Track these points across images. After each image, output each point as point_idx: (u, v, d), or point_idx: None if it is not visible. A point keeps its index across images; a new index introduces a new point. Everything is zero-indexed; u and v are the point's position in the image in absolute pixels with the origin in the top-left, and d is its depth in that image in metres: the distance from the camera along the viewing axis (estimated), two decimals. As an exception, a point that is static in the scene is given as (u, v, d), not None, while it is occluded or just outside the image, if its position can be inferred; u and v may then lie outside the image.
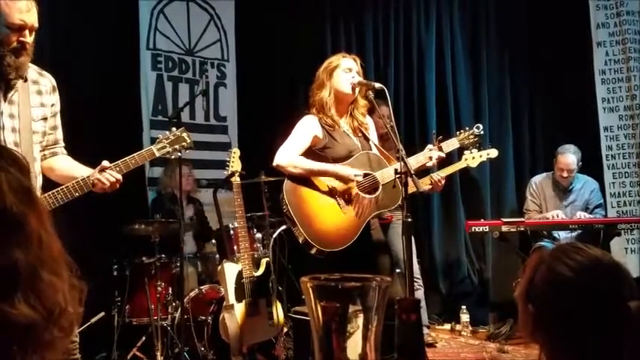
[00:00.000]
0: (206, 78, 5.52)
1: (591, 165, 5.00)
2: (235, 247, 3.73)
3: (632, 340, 1.04)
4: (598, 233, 4.33)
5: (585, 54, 5.25)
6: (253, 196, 3.97)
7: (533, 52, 5.44)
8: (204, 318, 3.73)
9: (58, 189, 2.26)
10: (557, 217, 4.49)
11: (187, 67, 5.42)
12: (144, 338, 3.83)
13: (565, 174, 4.63)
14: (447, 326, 5.04)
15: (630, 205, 5.10)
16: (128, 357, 3.80)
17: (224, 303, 3.54)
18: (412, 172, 2.59)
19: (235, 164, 3.60)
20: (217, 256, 4.30)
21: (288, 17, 5.67)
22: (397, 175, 2.62)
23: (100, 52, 4.70)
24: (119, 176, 2.35)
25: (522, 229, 4.30)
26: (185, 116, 4.95)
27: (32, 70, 2.29)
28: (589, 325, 1.08)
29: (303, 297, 0.90)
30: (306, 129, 3.01)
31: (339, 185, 2.95)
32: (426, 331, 4.45)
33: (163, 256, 3.97)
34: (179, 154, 2.66)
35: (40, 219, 0.77)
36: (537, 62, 5.42)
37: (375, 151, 3.10)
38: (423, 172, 3.38)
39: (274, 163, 2.98)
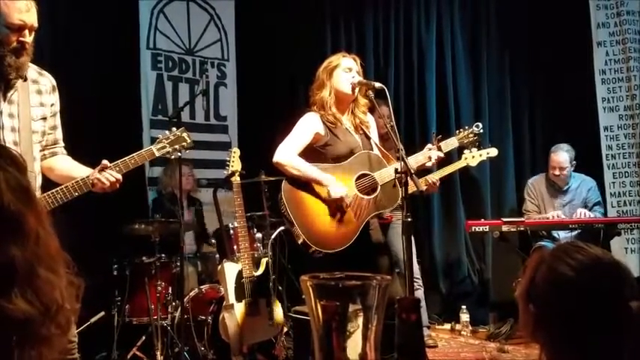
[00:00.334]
0: (206, 78, 5.52)
1: (591, 165, 5.00)
2: (235, 247, 3.72)
3: (634, 340, 1.04)
4: (598, 233, 4.32)
5: (585, 54, 5.25)
6: (253, 195, 3.97)
7: (534, 52, 5.44)
8: (204, 318, 3.73)
9: (57, 189, 2.25)
10: (558, 216, 4.49)
11: (187, 66, 5.42)
12: (144, 338, 3.83)
13: (557, 172, 4.62)
14: (447, 326, 5.04)
15: (630, 204, 5.10)
16: (128, 357, 3.80)
17: (224, 303, 3.54)
18: (412, 172, 2.59)
19: (235, 164, 3.59)
20: (217, 255, 4.29)
21: (289, 17, 5.67)
22: (397, 175, 2.62)
23: (100, 52, 4.70)
24: (119, 176, 2.35)
25: (522, 228, 4.29)
26: (185, 116, 4.95)
27: (32, 70, 2.29)
28: (590, 325, 1.08)
29: (303, 296, 0.90)
30: (308, 126, 3.01)
31: None
32: (426, 332, 4.44)
33: (163, 255, 3.97)
34: (179, 154, 2.66)
35: (37, 217, 0.77)
36: (537, 62, 5.42)
37: (375, 149, 3.10)
38: (423, 171, 3.38)
39: (274, 160, 2.97)
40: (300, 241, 2.88)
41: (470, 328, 4.78)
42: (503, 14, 5.56)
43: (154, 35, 5.19)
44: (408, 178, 2.57)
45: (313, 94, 3.09)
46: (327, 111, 3.00)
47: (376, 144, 3.13)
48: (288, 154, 2.95)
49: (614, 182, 5.15)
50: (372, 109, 3.23)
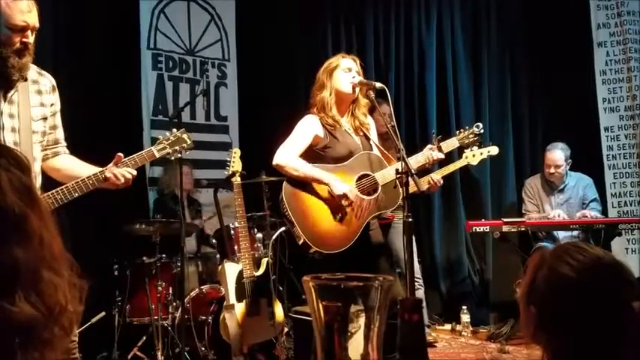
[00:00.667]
0: (207, 78, 5.52)
1: (592, 165, 5.00)
2: (236, 247, 3.72)
3: (636, 340, 1.04)
4: (599, 233, 4.32)
5: (586, 54, 5.25)
6: (254, 195, 3.97)
7: (534, 53, 5.43)
8: (204, 318, 3.73)
9: (58, 189, 2.25)
10: (559, 217, 4.48)
11: (188, 66, 5.42)
12: (144, 338, 3.83)
13: (552, 170, 4.62)
14: (448, 326, 5.04)
15: (631, 205, 5.09)
16: (129, 357, 3.80)
17: (224, 303, 3.54)
18: (413, 172, 2.59)
19: (236, 164, 3.59)
20: (218, 255, 4.29)
21: (289, 17, 5.67)
22: (398, 175, 2.62)
23: (100, 52, 4.69)
24: (135, 172, 2.36)
25: (523, 229, 4.29)
26: (186, 116, 4.96)
27: (32, 70, 2.29)
28: (592, 326, 1.08)
29: (304, 297, 0.90)
30: (307, 128, 3.01)
31: None
32: (426, 330, 4.45)
33: (164, 255, 3.97)
34: (179, 155, 2.66)
35: (41, 218, 0.77)
36: (538, 62, 5.41)
37: (375, 151, 3.10)
38: (423, 172, 3.38)
39: (274, 162, 2.98)
40: (300, 242, 2.88)
41: (470, 328, 4.78)
42: (503, 14, 5.55)
43: (155, 35, 5.19)
44: (409, 178, 2.57)
45: (314, 95, 3.09)
46: (327, 112, 3.00)
47: (376, 145, 3.12)
48: (287, 156, 2.95)
49: (614, 183, 5.15)
50: (372, 110, 3.23)
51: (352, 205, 2.89)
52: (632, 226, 4.45)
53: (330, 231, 2.89)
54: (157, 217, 4.24)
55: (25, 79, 2.23)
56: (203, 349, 3.66)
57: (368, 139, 3.10)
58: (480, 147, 3.57)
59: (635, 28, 5.16)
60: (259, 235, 4.00)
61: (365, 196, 2.93)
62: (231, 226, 3.85)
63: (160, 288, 3.87)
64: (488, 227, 4.31)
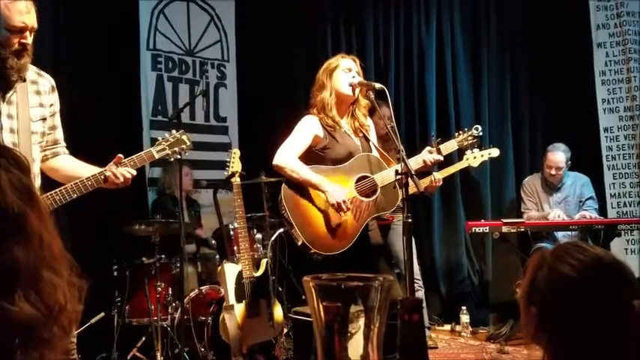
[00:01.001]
0: (206, 78, 5.52)
1: (591, 166, 5.00)
2: (235, 248, 3.72)
3: (637, 339, 1.04)
4: (598, 234, 4.32)
5: (585, 55, 5.25)
6: (253, 196, 3.97)
7: (534, 53, 5.44)
8: (204, 318, 3.73)
9: (57, 190, 2.25)
10: (559, 217, 4.48)
11: (187, 67, 5.42)
12: (144, 339, 3.83)
13: (553, 171, 4.63)
14: (447, 327, 5.04)
15: (630, 205, 5.09)
16: (128, 357, 3.80)
17: (224, 303, 3.53)
18: (413, 173, 2.59)
19: (235, 165, 3.59)
20: (217, 256, 4.29)
21: (288, 18, 5.67)
22: (397, 176, 2.62)
23: (100, 53, 4.69)
24: (134, 172, 2.36)
25: (522, 229, 4.29)
26: (185, 117, 4.95)
27: (31, 71, 2.29)
28: (592, 325, 1.08)
29: (304, 297, 0.90)
30: (307, 129, 3.01)
31: None
32: (426, 333, 4.44)
33: (163, 256, 3.97)
34: (178, 156, 2.66)
35: (40, 218, 0.77)
36: (537, 63, 5.41)
37: (375, 152, 3.10)
38: (423, 173, 3.37)
39: (273, 163, 2.98)
40: (299, 243, 2.88)
41: (470, 329, 4.78)
42: (503, 15, 5.56)
43: (154, 36, 5.19)
44: (409, 179, 2.57)
45: (314, 95, 3.08)
46: (327, 113, 3.00)
47: (376, 147, 3.12)
48: (287, 157, 2.95)
49: (614, 183, 5.15)
50: (372, 110, 3.23)
51: (350, 208, 2.89)
52: (631, 227, 4.46)
53: (328, 232, 2.89)
54: (156, 218, 4.23)
55: (24, 80, 2.23)
56: (202, 349, 3.66)
57: (367, 140, 3.10)
58: (480, 149, 3.58)
59: (635, 29, 5.16)
60: (259, 236, 4.00)
61: (364, 198, 2.93)
62: (231, 226, 3.85)
63: (159, 288, 3.87)
64: (487, 228, 4.31)
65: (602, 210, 4.92)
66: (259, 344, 3.64)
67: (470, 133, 3.31)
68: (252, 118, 5.59)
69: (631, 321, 1.05)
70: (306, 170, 2.93)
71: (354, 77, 2.99)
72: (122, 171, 2.32)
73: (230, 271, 3.57)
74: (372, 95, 2.95)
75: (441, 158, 3.13)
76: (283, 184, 2.95)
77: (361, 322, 0.87)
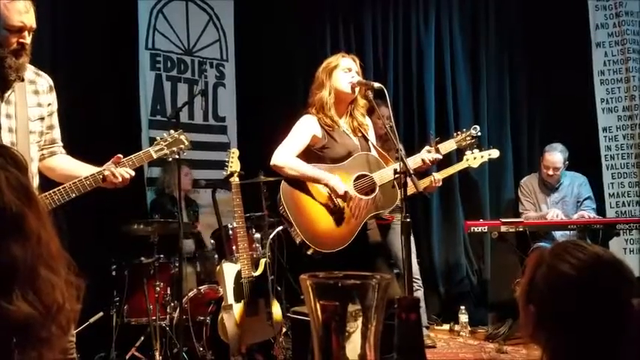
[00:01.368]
0: (205, 78, 5.52)
1: (590, 165, 5.00)
2: (234, 247, 3.72)
3: (636, 338, 1.04)
4: (597, 233, 4.33)
5: (584, 54, 5.26)
6: (252, 196, 3.97)
7: (533, 53, 5.44)
8: (202, 318, 3.73)
9: (59, 188, 2.24)
10: (557, 217, 4.49)
11: (186, 67, 5.42)
12: (142, 338, 3.82)
13: (550, 172, 4.63)
14: (446, 327, 5.04)
15: (629, 205, 5.10)
16: (127, 357, 3.79)
17: (223, 303, 3.54)
18: (411, 172, 2.59)
19: (234, 164, 3.59)
20: (216, 256, 4.29)
21: (287, 17, 5.67)
22: (396, 175, 2.62)
23: (98, 52, 4.69)
24: (133, 173, 2.36)
25: (521, 229, 4.30)
26: (184, 116, 4.95)
27: (29, 70, 2.29)
28: (591, 324, 1.07)
29: (302, 297, 0.90)
30: (305, 128, 3.00)
31: None
32: (425, 332, 4.44)
33: (162, 256, 3.97)
34: (177, 156, 2.66)
35: (38, 217, 0.77)
36: (536, 63, 5.42)
37: (373, 152, 3.10)
38: (422, 173, 3.37)
39: (271, 163, 2.97)
40: (298, 241, 2.88)
41: (469, 328, 4.79)
42: (502, 15, 5.56)
43: (153, 35, 5.19)
44: (407, 178, 2.57)
45: (313, 94, 3.08)
46: (325, 112, 2.99)
47: (375, 146, 3.12)
48: (285, 156, 2.95)
49: (612, 183, 5.16)
50: (371, 110, 3.22)
51: (350, 205, 2.88)
52: (630, 226, 4.45)
53: (327, 231, 2.89)
54: (154, 218, 4.23)
55: (22, 80, 2.23)
56: (201, 349, 3.66)
57: (366, 139, 3.09)
58: (480, 149, 3.57)
59: (634, 29, 5.17)
60: (257, 236, 4.00)
61: (363, 196, 2.93)
62: (230, 226, 3.85)
63: (157, 288, 3.86)
64: (486, 227, 4.31)
65: (601, 209, 4.92)
66: (258, 344, 3.64)
67: (468, 133, 3.30)
68: (250, 118, 5.59)
69: (630, 320, 1.05)
70: (307, 166, 2.93)
71: (353, 77, 2.99)
72: (121, 171, 2.32)
73: (229, 270, 3.57)
74: (370, 95, 2.95)
75: (440, 157, 3.13)
76: (282, 183, 2.95)
77: (359, 321, 0.86)
